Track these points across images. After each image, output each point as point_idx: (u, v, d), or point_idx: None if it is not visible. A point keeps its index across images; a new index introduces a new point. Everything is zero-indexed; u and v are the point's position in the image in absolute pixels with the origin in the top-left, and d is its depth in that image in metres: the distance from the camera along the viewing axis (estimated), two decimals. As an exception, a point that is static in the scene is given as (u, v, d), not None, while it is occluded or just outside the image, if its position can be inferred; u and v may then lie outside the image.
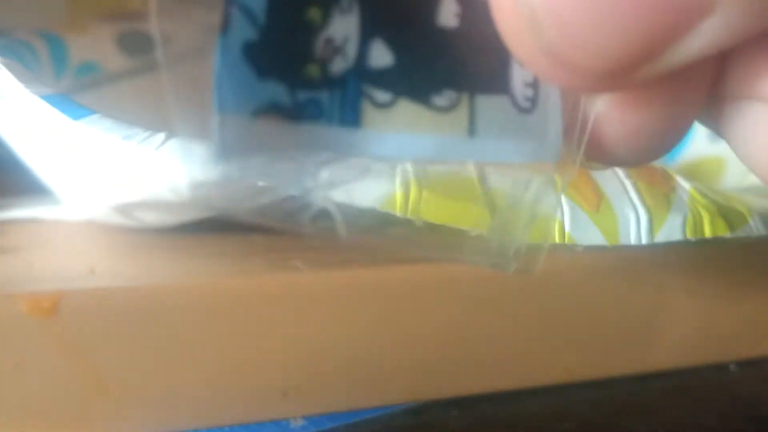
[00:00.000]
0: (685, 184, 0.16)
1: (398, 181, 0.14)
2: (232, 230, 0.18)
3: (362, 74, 0.10)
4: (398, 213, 0.14)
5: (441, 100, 0.10)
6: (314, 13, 0.09)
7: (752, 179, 0.21)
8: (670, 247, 0.16)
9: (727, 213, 0.15)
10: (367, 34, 0.10)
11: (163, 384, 0.16)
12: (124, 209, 0.17)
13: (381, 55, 0.10)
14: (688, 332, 0.20)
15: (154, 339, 0.16)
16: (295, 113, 0.09)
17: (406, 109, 0.10)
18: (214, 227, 0.18)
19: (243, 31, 0.09)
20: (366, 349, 0.17)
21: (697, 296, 0.19)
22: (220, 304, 0.16)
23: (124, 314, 0.16)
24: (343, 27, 0.10)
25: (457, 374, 0.19)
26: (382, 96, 0.10)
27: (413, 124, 0.10)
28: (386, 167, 0.14)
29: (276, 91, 0.09)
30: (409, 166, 0.14)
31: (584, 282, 0.18)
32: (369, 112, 0.10)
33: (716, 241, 0.16)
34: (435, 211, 0.14)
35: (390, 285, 0.17)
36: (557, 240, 0.15)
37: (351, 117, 0.10)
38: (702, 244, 0.16)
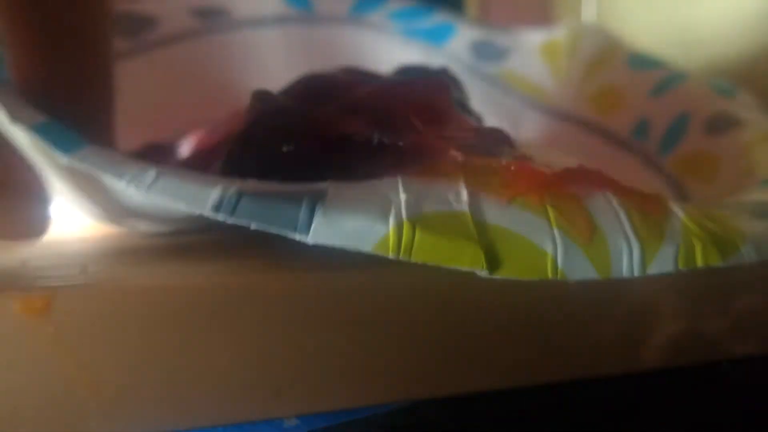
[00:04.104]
0: (678, 211, 0.16)
1: (391, 220, 0.14)
2: (225, 230, 0.18)
3: None
4: (391, 254, 0.14)
5: None
6: None
7: (748, 181, 0.21)
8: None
9: (719, 242, 0.15)
10: None
11: (156, 384, 0.16)
12: (116, 221, 0.17)
13: None
14: (680, 330, 0.20)
15: (147, 338, 0.16)
16: None
17: None
18: (206, 227, 0.18)
19: None
20: (360, 348, 0.18)
21: (689, 294, 0.20)
22: (212, 303, 0.16)
23: (118, 313, 0.15)
24: None
25: (450, 374, 0.19)
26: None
27: None
28: (379, 205, 0.14)
29: None
30: (402, 203, 0.14)
31: (575, 281, 0.18)
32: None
33: (708, 272, 0.15)
34: (429, 250, 0.14)
35: (385, 285, 0.17)
36: (549, 274, 0.15)
37: None
38: (695, 275, 0.15)
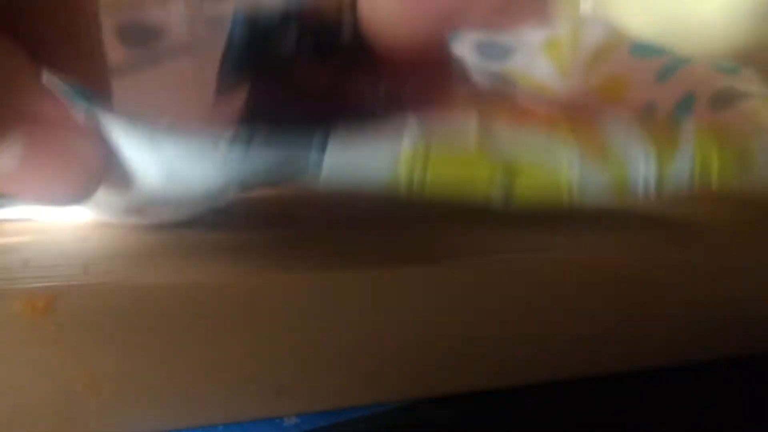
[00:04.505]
0: (690, 126, 0.15)
1: (406, 141, 0.13)
2: (226, 229, 0.18)
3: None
4: (405, 181, 0.13)
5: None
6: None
7: None
8: (660, 246, 0.16)
9: (735, 150, 0.15)
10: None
11: (157, 383, 0.16)
12: (129, 209, 0.17)
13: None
14: (678, 330, 0.20)
15: (148, 338, 0.16)
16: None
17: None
18: (207, 226, 0.19)
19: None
20: (358, 348, 0.18)
21: (687, 293, 0.20)
22: (214, 303, 0.16)
23: (119, 313, 0.16)
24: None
25: (448, 373, 0.19)
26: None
27: None
28: (391, 135, 0.14)
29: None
30: (414, 132, 0.14)
31: (574, 280, 0.18)
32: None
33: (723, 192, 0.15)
34: (443, 176, 0.13)
35: (382, 285, 0.17)
36: (564, 193, 0.14)
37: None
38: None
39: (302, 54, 0.20)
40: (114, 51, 0.25)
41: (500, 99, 0.17)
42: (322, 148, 0.13)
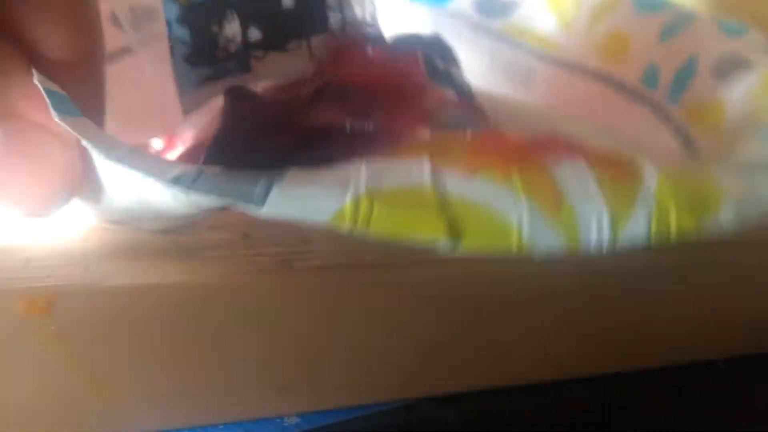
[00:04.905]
0: (652, 175, 0.15)
1: (349, 193, 0.13)
2: (227, 229, 0.18)
3: (247, 46, 0.21)
4: (347, 226, 0.13)
5: (291, 45, 0.21)
6: (214, 28, 0.21)
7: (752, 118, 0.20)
8: (658, 248, 0.15)
9: (695, 205, 0.14)
10: (244, 26, 0.21)
11: (157, 382, 0.16)
12: (114, 220, 0.17)
13: (255, 34, 0.21)
14: (676, 330, 0.20)
15: (149, 337, 0.16)
16: (217, 76, 0.21)
17: (273, 57, 0.21)
18: (206, 226, 0.19)
19: (180, 50, 0.21)
20: (359, 347, 0.18)
21: (685, 294, 0.20)
22: (214, 302, 0.16)
23: (119, 313, 0.16)
24: (232, 27, 0.21)
25: (449, 372, 0.19)
26: (259, 54, 0.21)
27: (277, 63, 0.21)
28: (338, 181, 0.14)
29: (205, 71, 0.21)
30: (362, 179, 0.14)
31: (573, 280, 0.18)
32: (254, 64, 0.21)
33: (683, 248, 0.15)
34: (387, 222, 0.13)
35: (383, 284, 0.17)
36: (514, 247, 0.14)
37: (246, 68, 0.21)
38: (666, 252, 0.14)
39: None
40: (108, 35, 0.25)
41: (460, 139, 0.17)
42: (268, 186, 0.13)
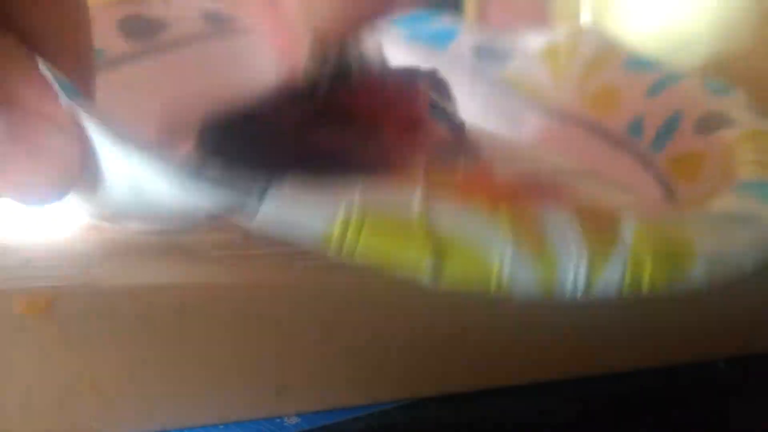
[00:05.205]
0: (630, 228, 0.15)
1: (339, 217, 0.14)
2: (227, 230, 0.18)
3: None
4: (333, 249, 0.14)
5: None
6: None
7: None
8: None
9: (670, 258, 0.15)
10: None
11: (157, 383, 0.16)
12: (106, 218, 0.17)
13: None
14: (676, 330, 0.20)
15: (149, 338, 0.16)
16: None
17: None
18: (206, 227, 0.19)
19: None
20: (359, 347, 0.18)
21: (684, 294, 0.20)
22: (213, 303, 0.16)
23: (119, 313, 0.16)
24: None
25: (449, 372, 0.19)
26: None
27: None
28: (330, 203, 0.14)
29: None
30: (353, 204, 0.14)
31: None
32: None
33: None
34: (372, 250, 0.14)
35: (383, 284, 0.17)
36: (493, 285, 0.14)
37: None
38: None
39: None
40: (115, 43, 0.25)
41: (452, 173, 0.17)
42: (262, 196, 0.13)
